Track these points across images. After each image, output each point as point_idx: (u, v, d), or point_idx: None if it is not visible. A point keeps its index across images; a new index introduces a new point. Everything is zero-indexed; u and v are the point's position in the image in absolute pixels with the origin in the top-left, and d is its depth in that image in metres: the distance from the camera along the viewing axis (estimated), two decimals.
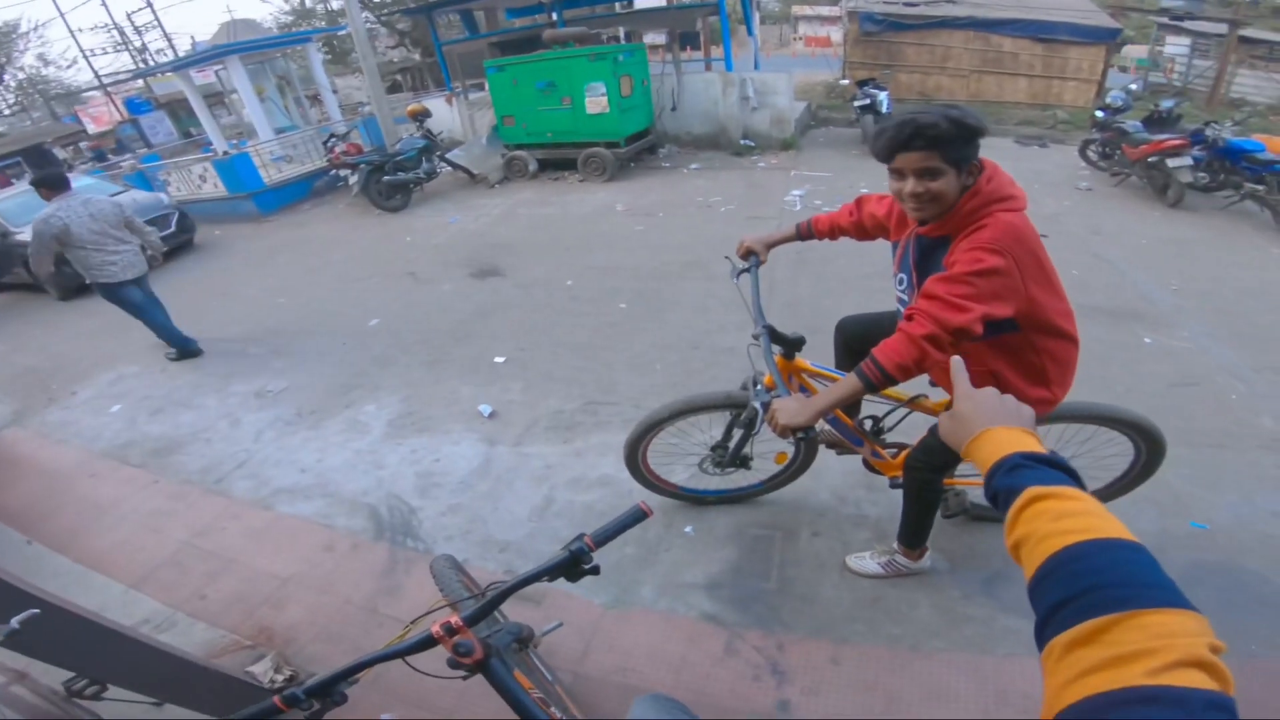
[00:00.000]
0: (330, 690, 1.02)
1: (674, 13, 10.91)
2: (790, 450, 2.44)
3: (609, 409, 3.46)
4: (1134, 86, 8.44)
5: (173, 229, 7.84)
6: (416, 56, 20.87)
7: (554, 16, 10.08)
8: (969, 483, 2.27)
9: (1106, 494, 2.25)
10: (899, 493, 2.18)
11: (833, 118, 10.62)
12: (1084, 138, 7.72)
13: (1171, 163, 5.84)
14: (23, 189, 8.67)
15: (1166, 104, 6.62)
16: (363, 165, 8.06)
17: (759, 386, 1.94)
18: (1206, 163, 5.84)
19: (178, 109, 19.47)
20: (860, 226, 1.96)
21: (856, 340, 2.15)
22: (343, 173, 8.41)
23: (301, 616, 2.52)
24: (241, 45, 10.47)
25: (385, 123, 9.87)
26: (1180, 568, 2.28)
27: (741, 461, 2.36)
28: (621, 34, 14.77)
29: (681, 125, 9.15)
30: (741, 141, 8.74)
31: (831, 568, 2.36)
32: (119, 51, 24.21)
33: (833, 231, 2.05)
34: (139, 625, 2.55)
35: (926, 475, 1.91)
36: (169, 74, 13.86)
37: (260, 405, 4.15)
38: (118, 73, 23.72)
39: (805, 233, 2.09)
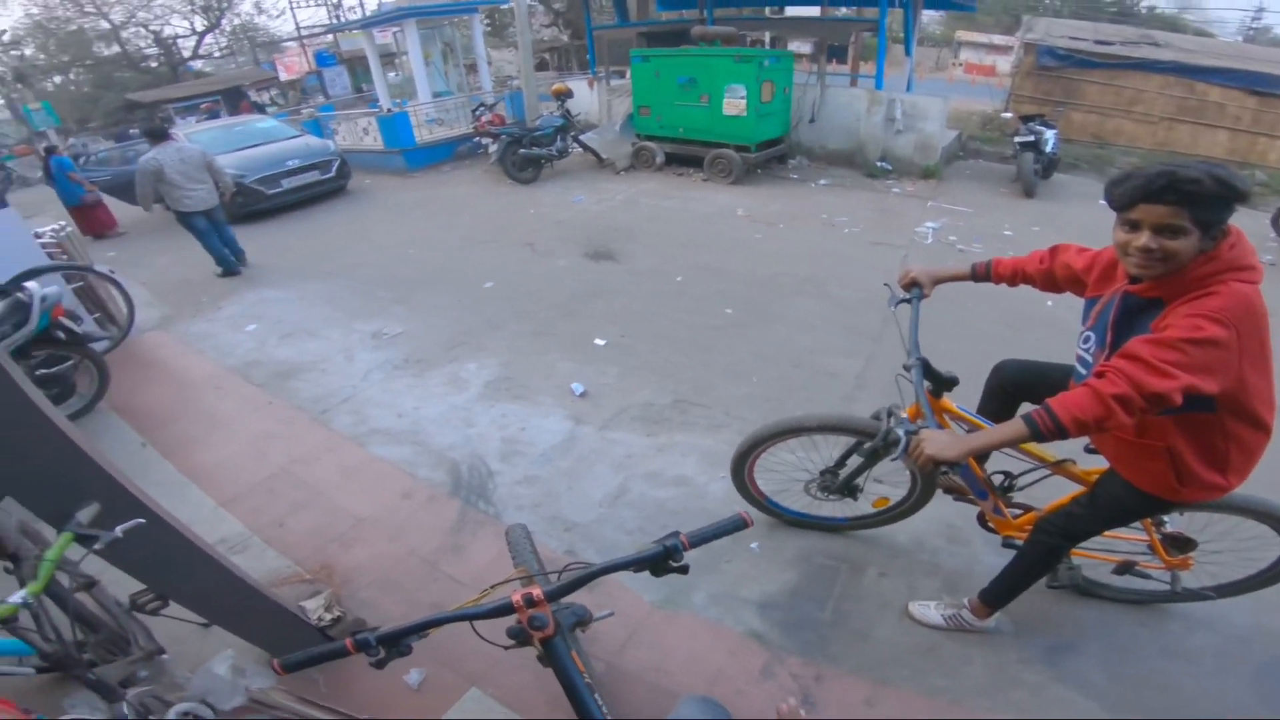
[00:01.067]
0: (400, 641, 1.05)
1: (828, 24, 10.57)
2: (895, 497, 2.34)
3: (699, 411, 3.42)
4: None
5: (333, 174, 8.65)
6: (565, 38, 21.69)
7: (705, 13, 10.09)
8: (1096, 556, 2.11)
9: (1241, 588, 2.06)
10: (977, 549, 2.10)
11: (984, 150, 9.88)
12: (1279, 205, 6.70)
13: None
14: (215, 124, 9.91)
15: None
16: (503, 136, 8.47)
17: (900, 416, 1.88)
18: None
19: (355, 65, 21.39)
20: (1049, 276, 1.80)
21: (1014, 386, 2.03)
22: (484, 140, 8.90)
23: (365, 559, 2.64)
24: (419, 9, 11.34)
25: (530, 98, 10.28)
26: (1261, 663, 2.08)
27: (850, 492, 2.29)
28: (767, 39, 14.56)
29: (817, 138, 8.87)
30: (878, 163, 8.34)
31: (893, 609, 2.25)
32: (319, 5, 26.82)
33: (1014, 277, 1.89)
34: (216, 544, 2.72)
35: (1058, 541, 1.81)
36: (356, 31, 15.22)
37: (375, 346, 4.47)
38: (313, 26, 26.37)
39: (982, 274, 1.95)
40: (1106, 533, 1.83)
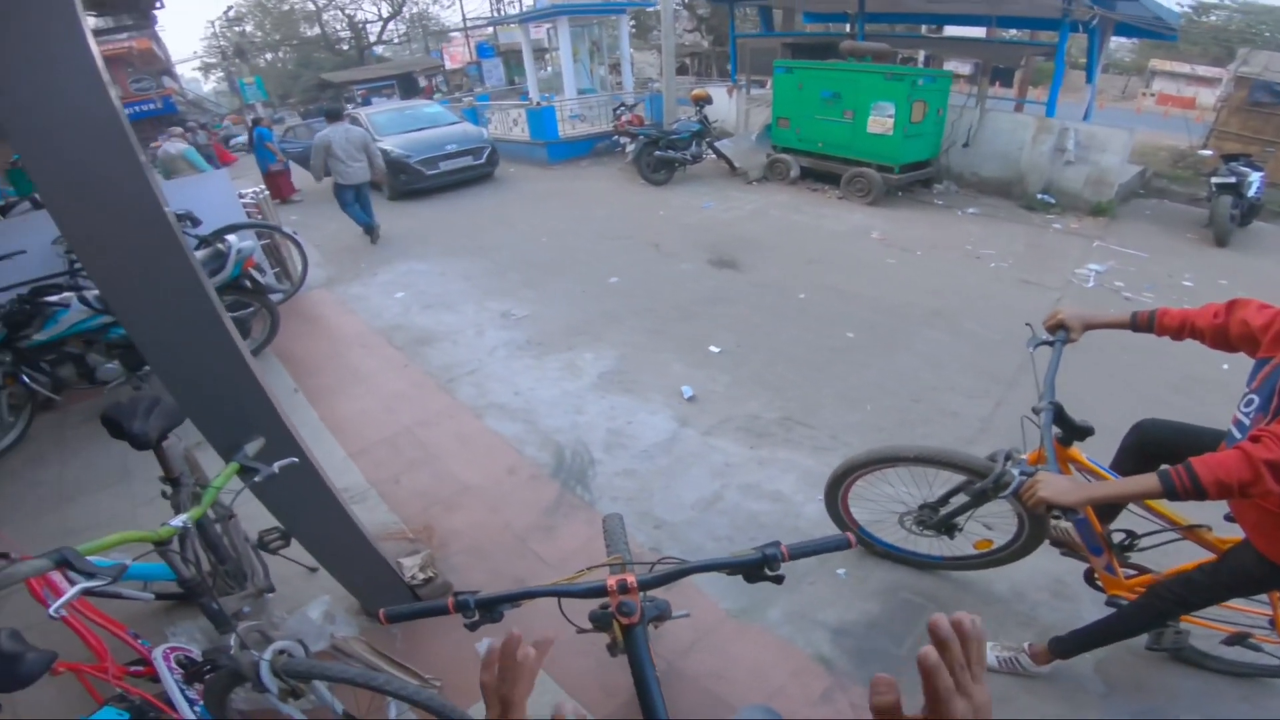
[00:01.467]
0: (495, 607, 1.08)
1: (994, 46, 9.80)
2: (998, 541, 2.22)
3: (804, 431, 3.36)
4: None
5: (484, 160, 9.34)
6: (706, 44, 21.77)
7: (855, 28, 9.73)
8: (1209, 625, 1.92)
9: None
10: (1082, 606, 2.03)
11: (1172, 190, 8.74)
12: None
13: None
14: (389, 106, 11.02)
15: None
16: (641, 136, 8.71)
17: (1020, 458, 1.79)
18: None
19: (510, 58, 22.88)
20: (1222, 333, 1.61)
21: (1157, 447, 1.87)
22: (622, 139, 9.18)
23: (464, 525, 2.81)
24: (571, 7, 11.94)
25: (669, 101, 10.48)
26: None
27: (949, 529, 2.20)
28: (921, 57, 13.75)
29: (970, 164, 8.27)
30: (1039, 195, 7.63)
31: None
32: None
33: (1181, 330, 1.70)
34: (340, 491, 3.09)
35: (1170, 607, 1.73)
36: (513, 25, 16.28)
37: (503, 325, 4.79)
38: (477, 18, 28.50)
39: (1143, 324, 1.76)
40: (1225, 603, 1.72)
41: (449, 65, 27.25)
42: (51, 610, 1.18)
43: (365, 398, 3.93)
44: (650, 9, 16.46)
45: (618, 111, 10.21)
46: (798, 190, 8.36)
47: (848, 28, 10.51)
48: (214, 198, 5.12)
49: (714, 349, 4.21)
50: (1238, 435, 1.46)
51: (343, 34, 31.20)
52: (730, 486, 2.97)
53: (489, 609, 1.08)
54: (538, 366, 4.16)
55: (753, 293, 5.10)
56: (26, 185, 6.90)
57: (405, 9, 31.76)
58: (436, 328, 4.85)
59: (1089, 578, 2.06)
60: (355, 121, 9.67)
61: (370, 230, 7.07)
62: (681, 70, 19.96)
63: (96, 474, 3.36)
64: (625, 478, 3.08)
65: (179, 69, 28.49)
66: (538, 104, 11.09)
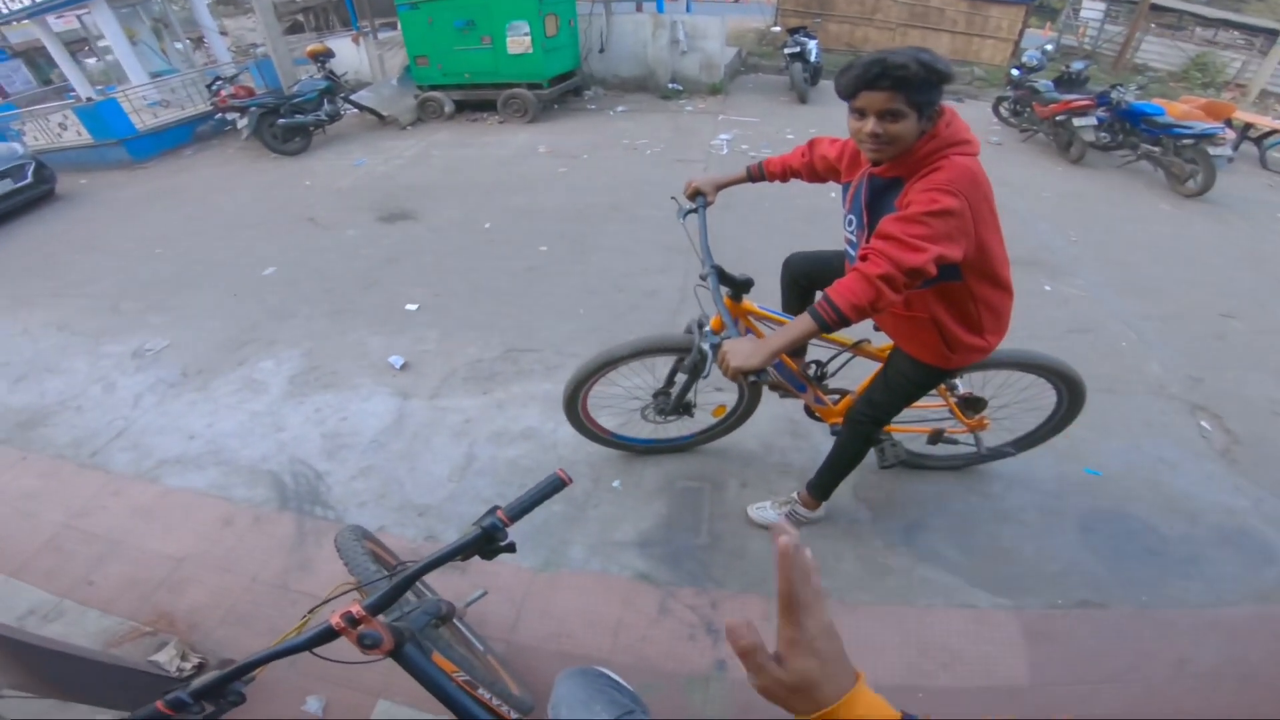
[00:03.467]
0: (222, 690, 0.93)
1: None
2: (730, 403, 2.40)
3: (530, 356, 3.28)
4: (1049, 48, 8.59)
5: (29, 179, 6.89)
6: None
7: None
8: (909, 429, 2.30)
9: (1033, 439, 2.34)
10: (819, 440, 2.25)
11: (762, 64, 10.48)
12: (998, 94, 7.91)
13: (1077, 122, 6.05)
14: None
15: (1077, 66, 6.81)
16: (253, 108, 7.31)
17: (705, 329, 1.89)
18: (1109, 123, 6.05)
19: (35, 56, 17.09)
20: (811, 168, 1.92)
21: (804, 278, 2.13)
22: (230, 116, 7.61)
23: (205, 599, 2.28)
24: None
25: (282, 64, 9.02)
26: (1077, 515, 2.38)
27: (685, 409, 2.31)
28: None
29: (609, 68, 8.79)
30: (669, 85, 8.49)
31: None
32: None
33: (784, 173, 1.99)
34: (24, 616, 2.28)
35: (868, 427, 1.94)
36: (22, 22, 12.05)
37: (138, 367, 3.70)
38: None
39: (756, 175, 2.03)
40: (913, 405, 1.96)
41: None
42: None
43: None
44: None
45: (214, 87, 8.35)
46: (458, 125, 7.97)
47: None
48: None
49: (411, 307, 3.83)
50: (852, 252, 1.67)
51: None
52: (478, 442, 2.78)
53: (216, 695, 0.92)
54: (206, 398, 3.32)
55: (435, 238, 4.75)
56: None
57: None
58: (43, 401, 3.53)
59: (809, 412, 2.29)
60: None
61: None
62: (295, 28, 17.28)
63: None
64: (364, 477, 2.69)
65: None
66: (89, 100, 8.54)
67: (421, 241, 4.74)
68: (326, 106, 7.74)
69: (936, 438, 2.29)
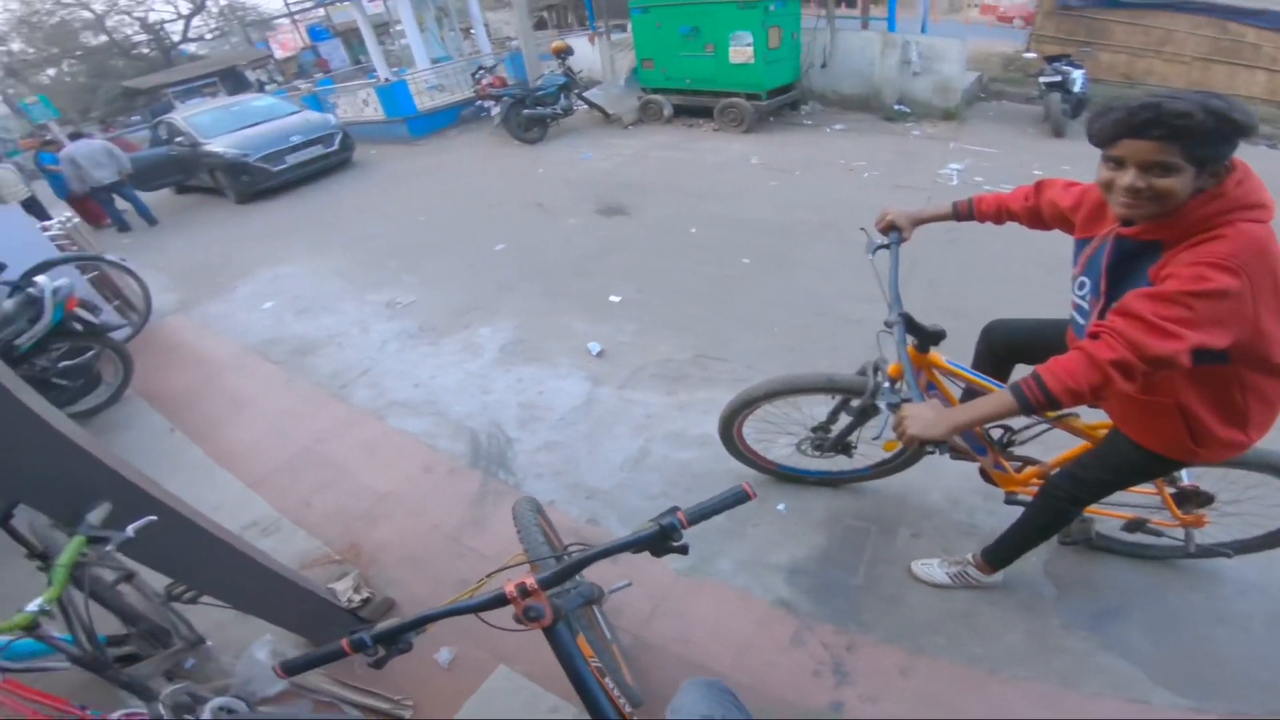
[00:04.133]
0: (397, 638, 1.02)
1: None
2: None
3: (719, 365, 3.32)
4: None
5: (336, 147, 8.54)
6: None
7: None
8: (1107, 513, 1.99)
9: (1265, 544, 1.93)
10: (1007, 506, 1.99)
11: (1008, 92, 9.42)
12: None
13: None
14: (213, 105, 9.78)
15: None
16: (506, 98, 8.28)
17: (881, 374, 1.77)
18: None
19: (350, 37, 20.98)
20: (1035, 214, 1.66)
21: (1006, 349, 1.90)
22: (487, 103, 8.74)
23: (390, 536, 2.61)
24: None
25: (530, 58, 10.02)
26: None
27: (844, 449, 2.20)
28: None
29: (830, 84, 8.54)
30: (895, 106, 8.00)
31: None
32: None
33: (999, 215, 1.75)
34: (248, 527, 2.72)
35: (1065, 506, 1.70)
36: (345, 3, 14.87)
37: (389, 316, 4.42)
38: (302, 2, 25.77)
39: (964, 213, 1.80)
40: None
41: (279, 54, 24.61)
42: None
43: (252, 423, 3.52)
44: None
45: (477, 75, 9.63)
46: (675, 128, 8.29)
47: None
48: (12, 237, 4.30)
49: (614, 299, 4.09)
50: (1080, 321, 1.45)
51: (138, 38, 27.32)
52: (655, 439, 2.88)
53: (390, 642, 1.00)
54: (434, 353, 3.88)
55: (645, 236, 5.00)
56: None
57: (208, 3, 28.18)
58: (316, 333, 4.40)
59: (984, 475, 2.07)
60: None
61: (148, 220, 8.01)
62: (540, 25, 19.17)
63: None
64: (547, 451, 2.93)
65: None
66: (387, 80, 10.26)
67: (632, 238, 5.02)
68: (563, 101, 8.50)
69: (1137, 526, 1.93)
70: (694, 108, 8.31)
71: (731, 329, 3.61)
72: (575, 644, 1.08)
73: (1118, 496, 1.78)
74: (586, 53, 10.53)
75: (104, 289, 4.82)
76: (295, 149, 8.11)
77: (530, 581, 1.01)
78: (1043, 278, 3.89)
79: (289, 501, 2.87)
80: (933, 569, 2.10)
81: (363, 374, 3.80)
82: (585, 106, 8.93)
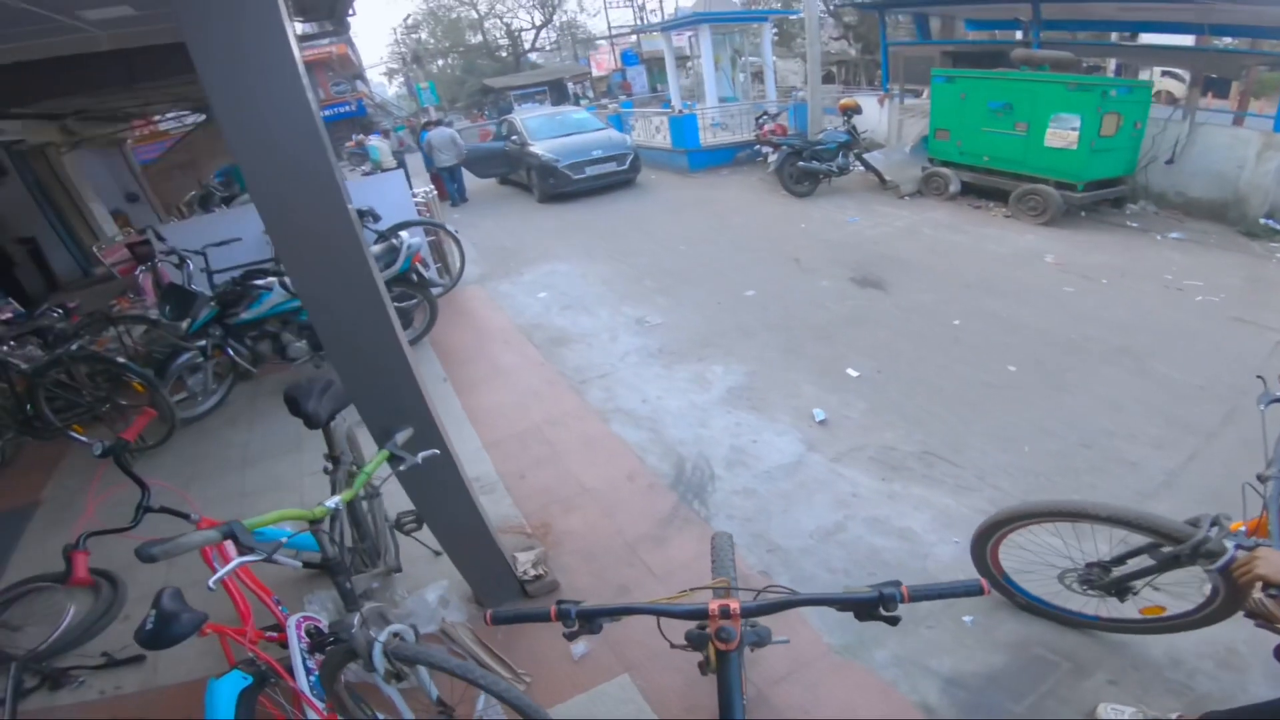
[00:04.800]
0: (595, 619, 1.09)
1: (1207, 55, 8.40)
2: (1174, 609, 1.99)
3: (946, 468, 3.09)
4: None
5: (627, 166, 9.69)
6: (854, 52, 20.78)
7: (1030, 36, 8.81)
8: None
9: None
10: (1251, 680, 1.88)
11: None
12: None
13: None
14: (542, 111, 11.76)
15: None
16: (784, 146, 8.53)
17: (1219, 530, 1.60)
18: None
19: (654, 65, 23.45)
20: None
21: None
22: (764, 149, 9.06)
23: (579, 526, 2.88)
24: (712, 15, 12.03)
25: (814, 110, 10.16)
26: None
27: (1120, 592, 1.99)
28: (1112, 66, 12.13)
29: (1174, 183, 7.17)
30: (1263, 221, 6.45)
31: None
32: (627, 6, 29.88)
33: None
34: (472, 481, 3.20)
35: None
36: (656, 33, 16.66)
37: (637, 331, 4.90)
38: (621, 27, 29.46)
39: None
40: None
41: (596, 72, 28.47)
42: (211, 583, 1.29)
43: (503, 391, 4.19)
44: (794, 16, 16.08)
45: (760, 120, 10.07)
46: (957, 207, 7.73)
47: (1018, 35, 9.59)
48: (392, 196, 5.76)
49: (852, 373, 4.01)
50: None
51: (501, 41, 33.64)
52: (855, 518, 2.82)
53: (589, 620, 1.10)
54: (667, 376, 4.21)
55: (899, 316, 4.79)
56: None
57: (555, 17, 33.63)
58: (573, 329, 5.07)
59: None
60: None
61: (461, 198, 10.63)
62: (828, 79, 19.31)
63: (275, 443, 3.86)
64: (744, 497, 3.02)
65: (368, 74, 32.31)
66: (680, 111, 11.25)
67: (884, 314, 4.86)
68: (840, 159, 8.47)
69: None
70: (985, 188, 7.65)
71: (972, 436, 3.32)
72: (739, 676, 1.11)
73: None
74: (873, 114, 10.36)
75: (434, 252, 6.14)
76: (595, 162, 9.38)
77: (735, 605, 1.07)
78: None
79: (509, 468, 3.34)
80: (1123, 716, 1.88)
81: (602, 376, 4.28)
82: (862, 169, 8.75)
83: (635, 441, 3.51)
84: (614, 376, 4.26)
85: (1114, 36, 11.06)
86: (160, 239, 4.89)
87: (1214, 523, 1.63)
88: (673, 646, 1.28)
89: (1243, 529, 1.60)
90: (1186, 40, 9.07)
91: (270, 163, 1.54)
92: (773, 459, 3.27)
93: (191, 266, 4.61)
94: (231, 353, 4.30)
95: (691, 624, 1.23)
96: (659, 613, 1.13)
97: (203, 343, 4.15)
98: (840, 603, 1.04)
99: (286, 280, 4.22)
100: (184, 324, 4.14)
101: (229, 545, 1.44)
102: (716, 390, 3.97)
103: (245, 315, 4.26)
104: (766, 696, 2.06)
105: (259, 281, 4.36)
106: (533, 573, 2.46)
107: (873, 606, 1.01)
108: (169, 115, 10.73)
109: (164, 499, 1.87)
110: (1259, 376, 1.75)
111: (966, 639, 2.22)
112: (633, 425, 3.68)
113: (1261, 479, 1.56)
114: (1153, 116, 7.00)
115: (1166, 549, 1.75)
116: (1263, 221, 6.46)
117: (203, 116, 10.31)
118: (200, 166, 11.08)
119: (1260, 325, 4.41)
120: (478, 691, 1.93)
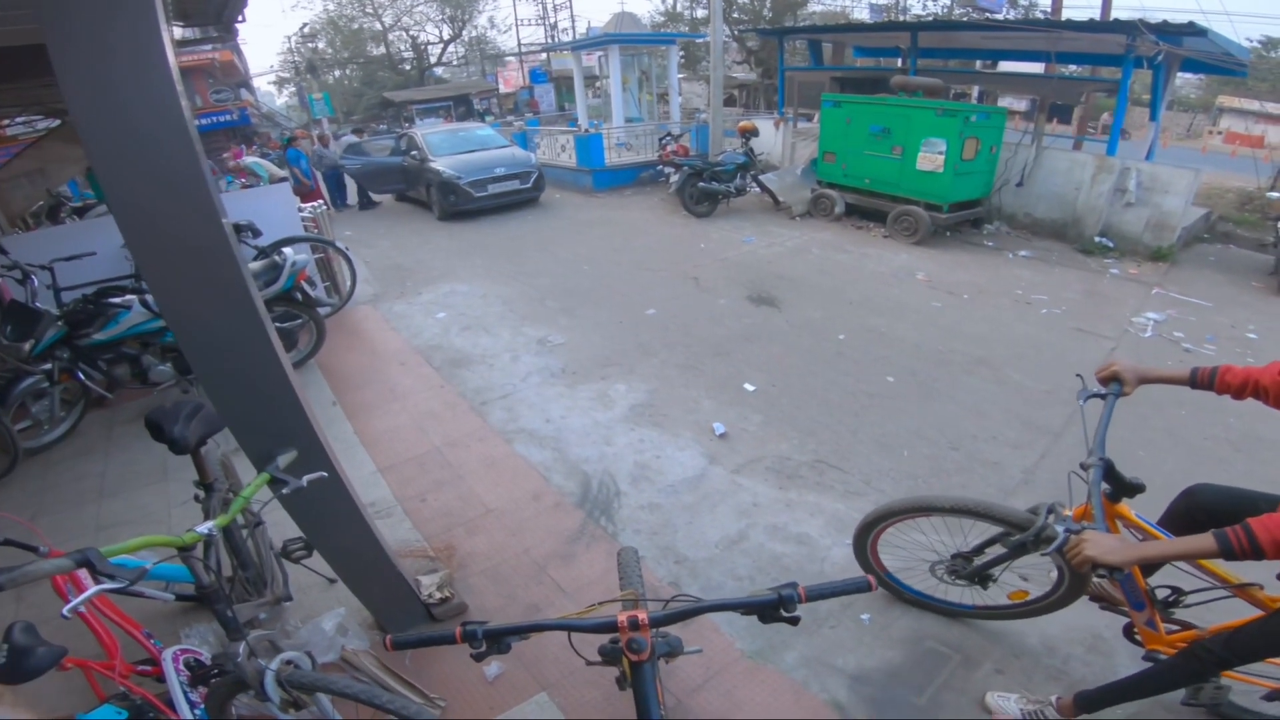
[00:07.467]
0: (503, 639, 1.08)
1: (1054, 83, 9.57)
2: (1036, 593, 2.19)
3: (836, 475, 3.29)
4: None
5: (530, 185, 9.58)
6: (755, 76, 21.93)
7: (907, 63, 9.67)
8: (1250, 679, 1.81)
9: None
10: (1118, 661, 2.01)
11: (1238, 235, 8.32)
12: None
13: None
14: (445, 127, 11.46)
15: None
16: (685, 167, 8.77)
17: (1054, 516, 1.76)
18: None
19: (562, 84, 23.54)
20: None
21: (1207, 514, 1.79)
22: (667, 169, 9.27)
23: (484, 548, 2.84)
24: (622, 36, 12.26)
25: (715, 133, 10.56)
26: None
27: (982, 580, 2.17)
28: (975, 93, 13.54)
29: (1023, 205, 8.06)
30: (1096, 239, 7.37)
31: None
32: (538, 25, 29.88)
33: (1244, 389, 1.64)
34: (366, 506, 3.08)
35: (1211, 666, 1.66)
36: (566, 52, 16.77)
37: (539, 351, 4.85)
38: (531, 44, 29.42)
39: (1204, 382, 1.70)
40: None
41: (503, 89, 28.20)
42: (64, 611, 1.20)
43: (399, 415, 4.02)
44: (700, 40, 16.75)
45: (663, 141, 10.34)
46: (842, 227, 8.27)
47: (899, 62, 10.46)
48: (275, 210, 5.37)
49: (749, 387, 4.17)
50: None
51: (406, 54, 32.59)
52: (756, 526, 2.93)
53: (497, 640, 1.09)
54: (570, 395, 4.19)
55: (790, 332, 5.05)
56: None
57: (465, 32, 33.08)
58: (473, 350, 4.94)
59: (1129, 632, 1.99)
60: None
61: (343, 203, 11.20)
62: (729, 102, 20.14)
63: (137, 472, 3.53)
64: (650, 511, 3.07)
65: (255, 82, 30.17)
66: (586, 131, 11.34)
67: (777, 331, 5.09)
68: (738, 180, 8.83)
69: (1278, 696, 1.76)
70: (867, 209, 8.22)
71: (858, 443, 3.55)
72: (655, 686, 1.12)
73: (1261, 666, 1.69)
74: (770, 136, 10.87)
75: (322, 269, 5.79)
76: (498, 179, 9.21)
77: (643, 616, 1.07)
78: (1227, 453, 3.44)
79: (408, 492, 3.23)
80: (1009, 703, 2.05)
81: (503, 397, 4.19)
82: (758, 190, 9.15)
83: (539, 461, 3.48)
84: (516, 397, 4.19)
85: (978, 65, 12.35)
86: (2, 252, 4.32)
87: (1050, 510, 1.78)
88: (588, 664, 1.27)
89: (1069, 515, 1.75)
90: (1037, 68, 10.23)
91: (134, 171, 1.41)
92: (676, 473, 3.34)
93: (36, 282, 4.13)
94: (82, 376, 3.86)
95: (604, 639, 1.23)
96: (568, 628, 1.12)
97: (48, 366, 3.74)
98: (744, 607, 1.08)
99: (148, 298, 3.87)
100: (26, 345, 3.67)
101: (83, 574, 1.35)
102: (619, 408, 4.00)
103: (99, 336, 3.84)
104: (686, 705, 2.10)
105: (115, 300, 3.94)
106: (438, 595, 2.40)
107: (774, 608, 1.06)
108: (18, 120, 9.48)
109: (9, 531, 1.64)
110: (1078, 375, 1.92)
111: (865, 636, 2.35)
112: (536, 445, 3.64)
113: (1084, 467, 1.69)
114: (1006, 141, 7.80)
115: (1015, 537, 1.90)
116: (1097, 240, 7.38)
117: (56, 122, 9.17)
118: (51, 175, 9.83)
119: (1097, 334, 5.04)
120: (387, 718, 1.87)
